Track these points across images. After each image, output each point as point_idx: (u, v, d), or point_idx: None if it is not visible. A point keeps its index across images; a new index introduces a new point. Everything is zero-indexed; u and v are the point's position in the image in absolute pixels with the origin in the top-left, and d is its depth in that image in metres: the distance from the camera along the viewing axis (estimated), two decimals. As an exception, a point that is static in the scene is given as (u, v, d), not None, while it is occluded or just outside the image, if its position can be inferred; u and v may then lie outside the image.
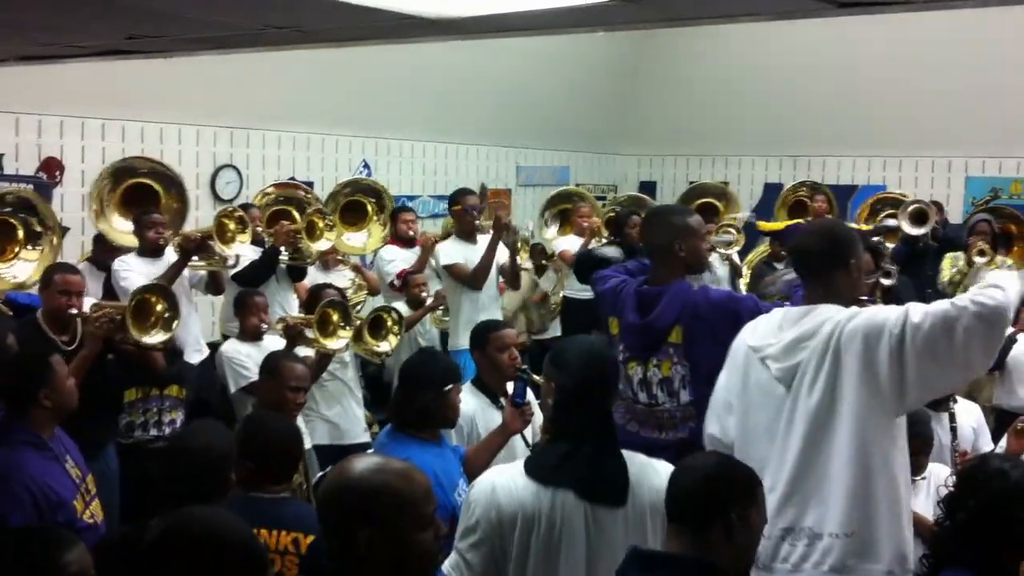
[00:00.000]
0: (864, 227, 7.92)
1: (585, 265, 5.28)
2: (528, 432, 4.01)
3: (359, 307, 6.98)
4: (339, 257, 6.97)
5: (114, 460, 4.74)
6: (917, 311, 2.92)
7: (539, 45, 10.13)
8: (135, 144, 7.51)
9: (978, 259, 7.15)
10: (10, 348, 4.24)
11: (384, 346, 5.73)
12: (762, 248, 8.26)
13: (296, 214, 6.93)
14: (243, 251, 6.03)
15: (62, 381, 3.67)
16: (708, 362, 3.47)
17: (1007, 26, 9.25)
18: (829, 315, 3.05)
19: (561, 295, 8.28)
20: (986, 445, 4.65)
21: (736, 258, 7.81)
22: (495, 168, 10.88)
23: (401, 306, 6.52)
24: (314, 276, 6.63)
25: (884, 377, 2.94)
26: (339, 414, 5.70)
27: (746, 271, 7.84)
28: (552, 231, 7.51)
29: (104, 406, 4.65)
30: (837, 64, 10.66)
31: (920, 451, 3.86)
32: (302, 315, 5.54)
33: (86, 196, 6.34)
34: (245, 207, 6.80)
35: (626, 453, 2.70)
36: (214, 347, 5.76)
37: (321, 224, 6.38)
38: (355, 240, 7.37)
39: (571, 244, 8.10)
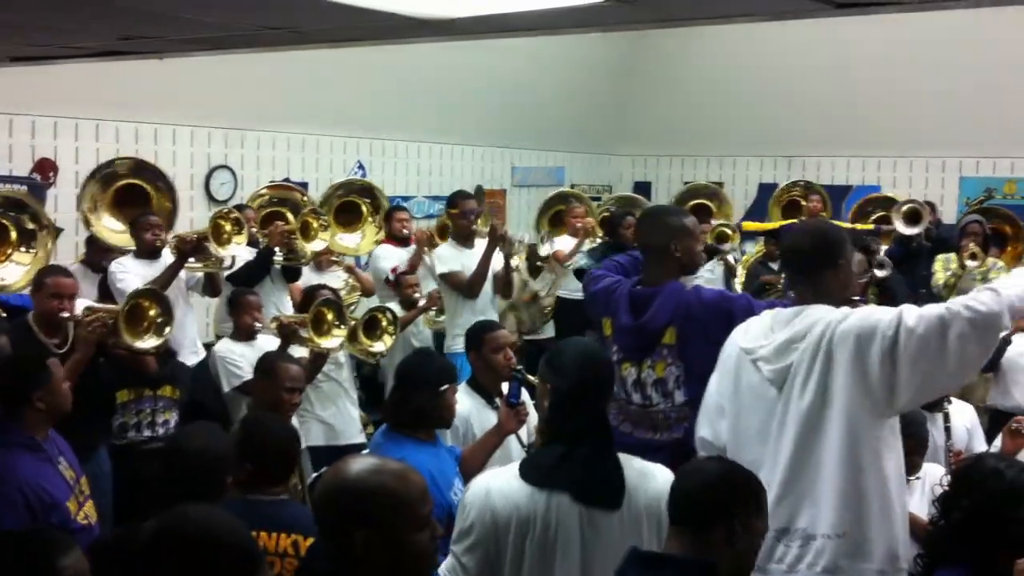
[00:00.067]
0: (863, 226, 7.95)
1: None
2: (523, 432, 4.00)
3: (352, 308, 6.98)
4: (333, 258, 6.97)
5: (106, 462, 4.73)
6: (911, 315, 2.91)
7: (534, 46, 10.14)
8: (129, 145, 7.51)
9: (970, 262, 7.17)
10: (3, 349, 4.22)
11: (379, 346, 5.72)
12: (757, 248, 8.28)
13: (290, 216, 6.93)
14: (238, 252, 6.03)
15: (58, 384, 3.66)
16: (702, 362, 3.46)
17: (1001, 26, 9.27)
18: (820, 316, 3.05)
19: (554, 296, 8.30)
20: (980, 445, 4.66)
21: (732, 258, 7.82)
22: (490, 169, 10.88)
23: (395, 307, 6.52)
24: (308, 277, 6.63)
25: (875, 378, 2.94)
26: (334, 415, 5.69)
27: (741, 270, 7.86)
28: (546, 248, 7.53)
29: (96, 409, 4.63)
30: (832, 65, 10.67)
31: (915, 451, 3.87)
32: (297, 315, 5.54)
33: (77, 199, 6.33)
34: (239, 208, 6.80)
35: (622, 456, 2.69)
36: (209, 348, 5.75)
37: (315, 224, 6.38)
38: (349, 241, 7.37)
39: (565, 244, 8.11)
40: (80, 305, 4.79)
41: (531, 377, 3.85)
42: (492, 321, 4.98)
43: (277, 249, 6.16)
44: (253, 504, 3.14)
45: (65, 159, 7.24)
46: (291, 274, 6.46)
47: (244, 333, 5.38)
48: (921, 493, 3.90)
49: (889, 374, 2.92)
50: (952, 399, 4.74)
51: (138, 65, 5.85)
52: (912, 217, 7.83)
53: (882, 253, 7.06)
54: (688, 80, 11.85)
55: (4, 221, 5.63)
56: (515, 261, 7.22)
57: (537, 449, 3.07)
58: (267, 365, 4.45)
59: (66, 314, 4.65)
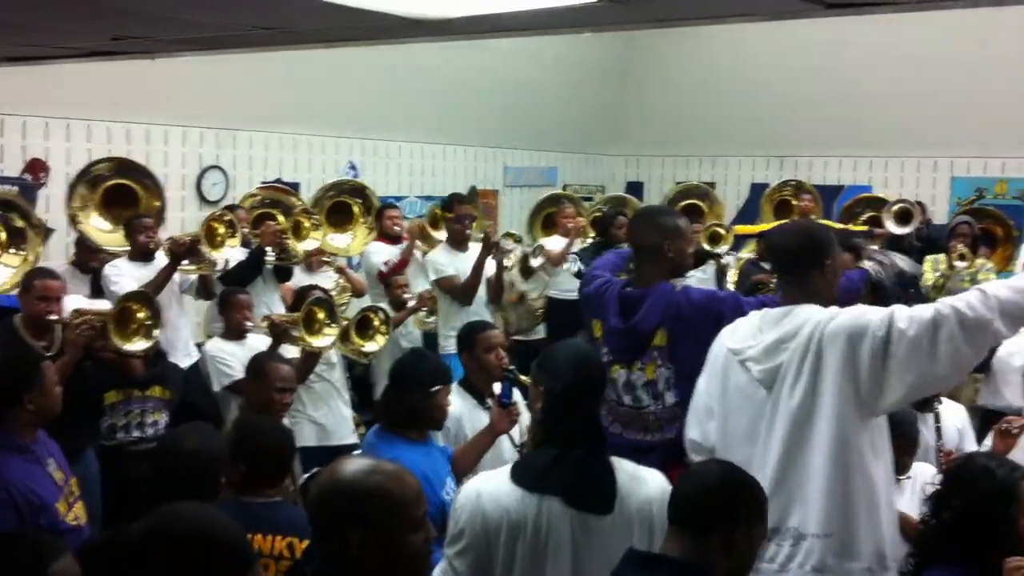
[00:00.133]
0: (855, 227, 7.95)
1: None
2: (515, 432, 4.01)
3: (343, 309, 6.97)
4: (324, 259, 6.97)
5: (94, 463, 4.71)
6: (902, 316, 2.91)
7: (527, 46, 10.14)
8: (121, 145, 7.49)
9: (958, 263, 7.20)
10: None
11: (372, 346, 5.72)
12: (748, 248, 8.28)
13: (281, 217, 6.93)
14: (230, 253, 6.03)
15: (50, 386, 3.65)
16: (692, 363, 3.46)
17: (993, 27, 9.29)
18: (809, 316, 3.06)
19: (545, 297, 8.30)
20: (971, 445, 4.67)
21: (725, 260, 7.83)
22: (483, 169, 10.87)
23: (385, 307, 6.53)
24: (298, 278, 6.62)
25: (865, 378, 2.94)
26: (326, 415, 5.69)
27: (733, 270, 7.85)
28: (538, 260, 7.57)
29: (83, 411, 4.62)
30: (824, 65, 10.70)
31: (905, 451, 3.88)
32: (288, 314, 5.53)
33: (66, 199, 6.32)
34: (231, 208, 6.79)
35: (614, 460, 2.69)
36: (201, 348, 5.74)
37: (307, 224, 6.38)
38: (340, 241, 7.37)
39: (556, 244, 8.13)
40: (70, 305, 4.79)
41: (523, 377, 3.85)
42: (484, 321, 5.00)
43: (269, 249, 6.16)
44: (247, 506, 3.14)
45: (56, 159, 7.21)
46: (283, 274, 6.46)
47: (235, 332, 5.37)
48: (912, 493, 3.91)
49: (879, 374, 2.92)
50: (943, 399, 4.75)
51: (129, 65, 5.83)
52: (903, 217, 7.85)
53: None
54: (681, 80, 11.87)
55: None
56: (507, 261, 7.25)
57: (529, 451, 3.07)
58: (257, 366, 4.45)
59: (54, 316, 4.64)
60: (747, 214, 10.71)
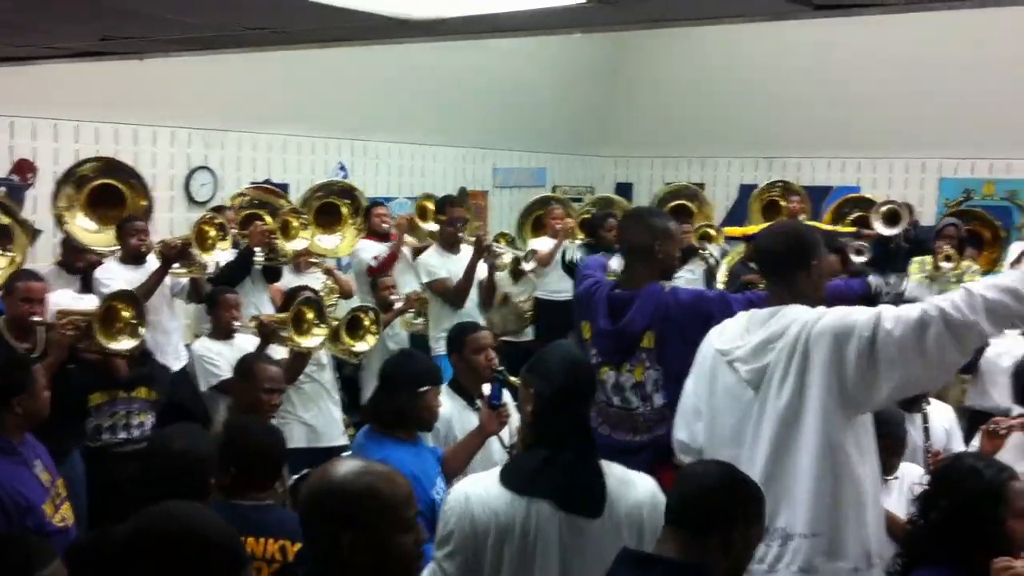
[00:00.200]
0: (844, 228, 7.98)
1: None
2: (505, 434, 4.01)
3: (331, 310, 6.96)
4: (312, 260, 6.96)
5: (79, 465, 4.70)
6: (889, 316, 2.92)
7: (516, 47, 10.14)
8: (109, 146, 7.46)
9: (944, 264, 7.23)
10: None
11: (362, 346, 5.70)
12: (737, 250, 8.29)
13: (268, 218, 6.91)
14: (221, 255, 6.02)
15: (40, 390, 3.65)
16: (680, 364, 3.46)
17: (983, 28, 9.33)
18: (796, 316, 3.07)
19: (532, 298, 8.32)
20: (959, 446, 4.69)
21: (712, 260, 7.84)
22: (472, 170, 10.87)
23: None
24: (286, 279, 6.62)
25: (852, 378, 2.95)
26: (316, 416, 5.67)
27: (724, 269, 7.87)
28: (530, 265, 7.60)
29: (68, 413, 4.60)
30: (812, 66, 10.73)
31: (892, 452, 3.89)
32: (277, 314, 5.52)
33: (52, 199, 6.29)
34: (219, 209, 6.77)
35: (604, 464, 2.68)
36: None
37: (296, 223, 6.37)
38: (328, 242, 7.36)
39: (544, 246, 8.16)
40: (59, 301, 4.77)
41: (512, 379, 3.85)
42: (473, 323, 5.00)
43: (258, 249, 6.14)
44: (237, 508, 3.12)
45: (44, 160, 7.18)
46: (271, 274, 6.45)
47: (222, 331, 5.36)
48: (899, 493, 3.92)
49: (866, 374, 2.93)
50: (931, 400, 4.77)
51: (118, 66, 5.81)
52: (891, 218, 7.88)
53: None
54: (670, 82, 11.89)
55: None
56: (499, 263, 7.26)
57: (519, 453, 3.07)
58: (245, 367, 4.44)
59: (37, 318, 4.63)
60: (736, 215, 10.74)
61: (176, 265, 5.81)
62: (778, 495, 3.00)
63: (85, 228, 6.18)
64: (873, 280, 3.95)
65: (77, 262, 6.13)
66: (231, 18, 3.33)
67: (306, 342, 5.18)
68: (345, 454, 4.06)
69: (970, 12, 8.25)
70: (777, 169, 11.00)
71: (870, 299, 5.00)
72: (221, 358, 5.12)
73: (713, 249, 7.88)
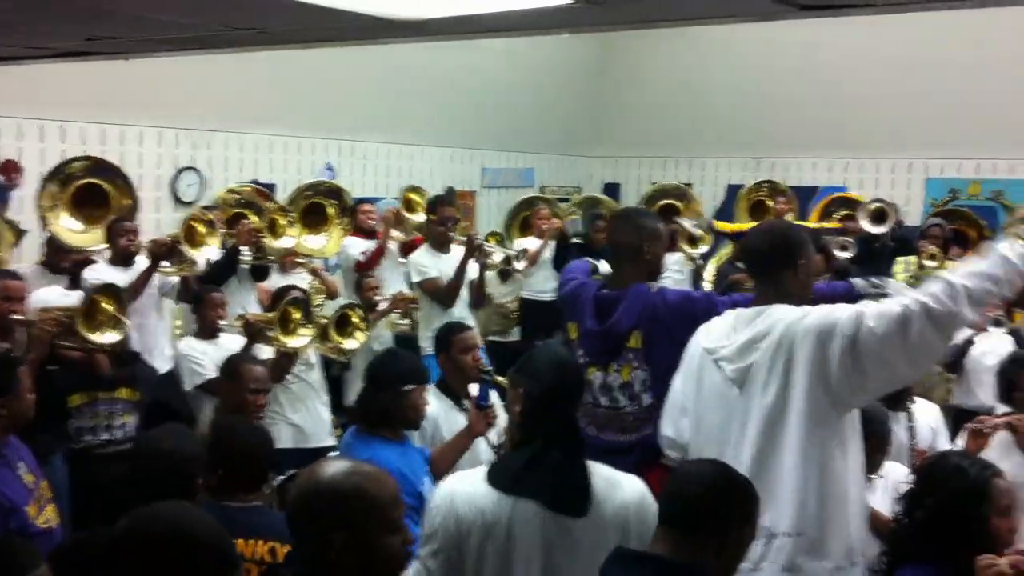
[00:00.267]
0: (829, 224, 8.01)
1: None
2: (492, 434, 4.01)
3: (318, 310, 6.95)
4: (298, 260, 6.96)
5: (61, 468, 4.68)
6: (871, 313, 2.93)
7: (504, 47, 10.14)
8: (95, 146, 7.43)
9: (928, 263, 7.28)
10: None
11: (351, 343, 5.68)
12: (727, 249, 8.32)
13: (254, 217, 6.91)
14: (209, 252, 6.01)
15: (24, 392, 3.62)
16: (667, 364, 3.46)
17: (969, 30, 9.36)
18: (781, 316, 3.08)
19: (518, 298, 8.34)
20: (944, 444, 4.70)
21: (700, 261, 7.87)
22: (460, 170, 10.86)
23: (361, 304, 6.52)
24: (272, 279, 6.60)
25: (836, 376, 2.96)
26: (303, 417, 5.63)
27: (712, 269, 7.90)
28: (522, 264, 7.62)
29: (51, 416, 4.58)
30: (799, 67, 10.75)
31: (876, 450, 3.90)
32: (263, 314, 5.51)
33: (36, 198, 6.27)
34: (208, 209, 6.76)
35: (591, 464, 2.68)
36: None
37: (283, 221, 6.36)
38: (315, 243, 7.36)
39: (531, 246, 8.18)
40: (47, 297, 4.75)
41: (500, 378, 3.85)
42: (460, 323, 5.00)
43: (246, 248, 6.13)
44: (226, 510, 3.11)
45: (30, 160, 7.15)
46: (259, 273, 6.44)
47: (208, 330, 5.34)
48: (883, 492, 3.93)
49: (849, 372, 2.95)
50: (916, 399, 4.79)
51: (104, 66, 5.79)
52: (878, 216, 7.91)
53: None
54: (657, 82, 11.90)
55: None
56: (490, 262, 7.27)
57: (506, 453, 3.07)
58: (231, 367, 4.43)
59: (17, 316, 4.61)
60: (723, 215, 10.74)
61: (167, 264, 5.79)
62: (762, 494, 3.00)
63: (70, 228, 6.16)
64: (857, 282, 3.96)
65: (61, 262, 6.11)
66: (217, 18, 3.32)
67: (292, 342, 5.16)
68: (332, 454, 4.06)
69: (960, 13, 8.25)
70: (764, 169, 11.02)
71: (854, 301, 5.01)
72: (206, 357, 5.10)
73: (702, 249, 7.92)
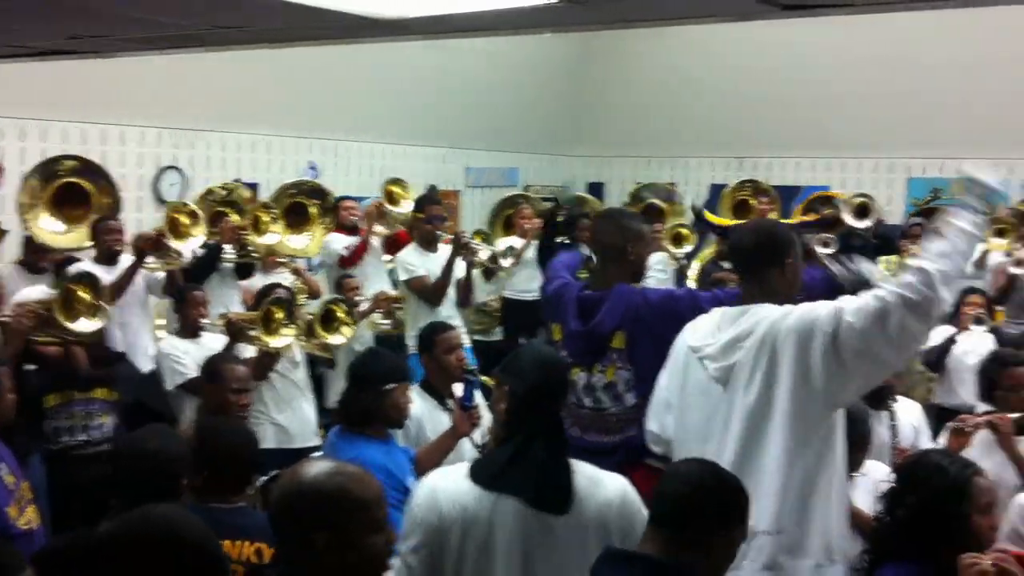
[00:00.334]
0: (810, 217, 8.02)
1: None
2: (477, 434, 4.01)
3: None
4: (280, 260, 6.93)
5: (39, 468, 4.65)
6: (850, 309, 2.95)
7: (488, 46, 10.14)
8: (76, 146, 7.38)
9: (909, 261, 7.31)
10: None
11: (337, 339, 5.65)
12: (711, 248, 8.33)
13: (236, 216, 6.88)
14: (194, 243, 5.99)
15: (6, 392, 3.60)
16: (651, 364, 3.47)
17: (951, 30, 9.41)
18: (765, 315, 3.09)
19: (500, 296, 8.34)
20: (926, 443, 4.73)
21: (683, 261, 7.87)
22: (444, 169, 10.84)
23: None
24: (255, 278, 6.57)
25: (818, 374, 2.97)
26: (288, 417, 5.55)
27: (696, 268, 7.91)
28: (508, 261, 7.62)
29: (27, 417, 4.54)
30: (783, 66, 10.79)
31: (858, 448, 3.91)
32: (245, 312, 5.49)
33: (14, 199, 6.24)
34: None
35: (574, 463, 2.68)
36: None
37: (266, 218, 6.34)
38: (297, 242, 7.33)
39: (514, 244, 8.18)
40: (30, 296, 4.72)
41: (484, 378, 3.86)
42: (444, 323, 4.99)
43: (229, 246, 6.11)
44: (211, 511, 3.10)
45: (10, 160, 7.09)
46: (243, 271, 6.41)
47: (189, 329, 5.32)
48: (865, 490, 3.95)
49: (831, 369, 2.96)
50: (898, 397, 4.82)
51: (85, 65, 5.76)
52: (861, 211, 7.93)
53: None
54: (641, 81, 11.92)
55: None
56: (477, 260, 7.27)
57: (490, 450, 3.07)
58: (212, 367, 4.40)
59: None
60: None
61: (152, 261, 5.76)
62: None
63: (53, 231, 6.12)
64: (835, 269, 3.97)
65: (40, 261, 6.07)
66: (200, 17, 3.31)
67: (275, 341, 5.13)
68: (316, 454, 4.05)
69: (942, 13, 8.32)
70: (747, 169, 11.05)
71: (836, 288, 5.04)
72: (187, 356, 5.08)
73: (686, 248, 7.92)
